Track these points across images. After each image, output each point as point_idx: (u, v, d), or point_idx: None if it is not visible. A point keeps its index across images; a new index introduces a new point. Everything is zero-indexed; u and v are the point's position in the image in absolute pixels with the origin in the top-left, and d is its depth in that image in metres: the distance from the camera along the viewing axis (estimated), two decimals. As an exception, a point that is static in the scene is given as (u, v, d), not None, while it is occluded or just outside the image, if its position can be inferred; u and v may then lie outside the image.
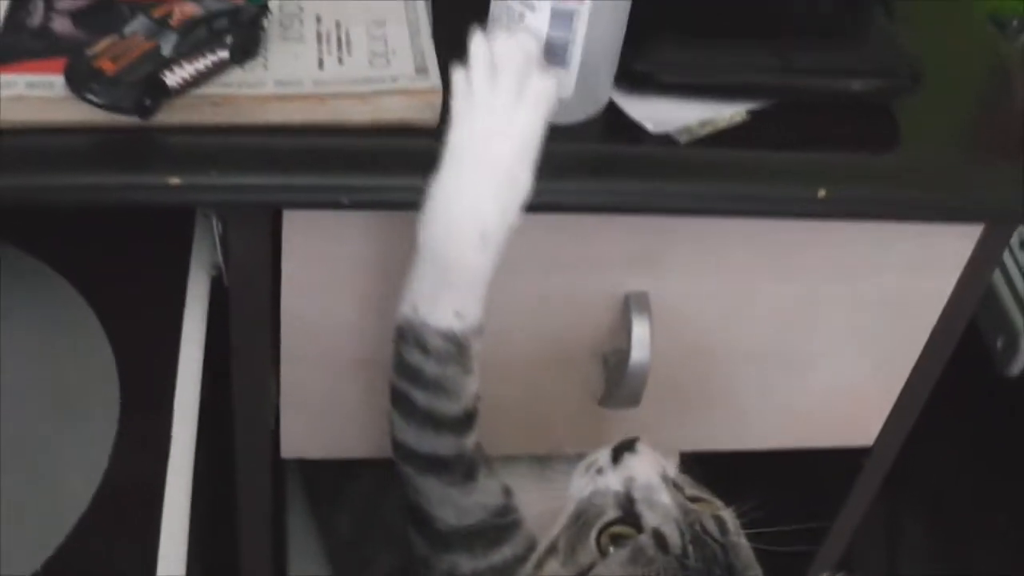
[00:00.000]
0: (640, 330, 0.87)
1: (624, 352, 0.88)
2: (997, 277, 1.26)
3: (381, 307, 0.85)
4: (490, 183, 0.73)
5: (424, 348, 0.78)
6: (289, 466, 1.22)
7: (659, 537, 0.74)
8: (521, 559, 0.85)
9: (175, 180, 0.70)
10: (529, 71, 0.72)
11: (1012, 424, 1.30)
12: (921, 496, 1.48)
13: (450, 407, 0.80)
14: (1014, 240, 1.29)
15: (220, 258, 0.86)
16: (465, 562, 0.87)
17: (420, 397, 0.80)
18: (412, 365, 0.79)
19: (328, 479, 1.16)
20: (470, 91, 0.72)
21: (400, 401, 0.81)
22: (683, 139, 0.79)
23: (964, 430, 1.38)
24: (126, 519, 0.73)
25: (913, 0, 0.99)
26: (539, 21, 0.74)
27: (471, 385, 0.81)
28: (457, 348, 0.78)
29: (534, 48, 0.73)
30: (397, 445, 0.84)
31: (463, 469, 0.83)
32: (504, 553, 0.87)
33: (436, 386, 0.79)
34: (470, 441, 0.83)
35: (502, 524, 0.86)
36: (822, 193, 0.79)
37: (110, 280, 0.84)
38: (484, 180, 0.73)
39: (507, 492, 0.86)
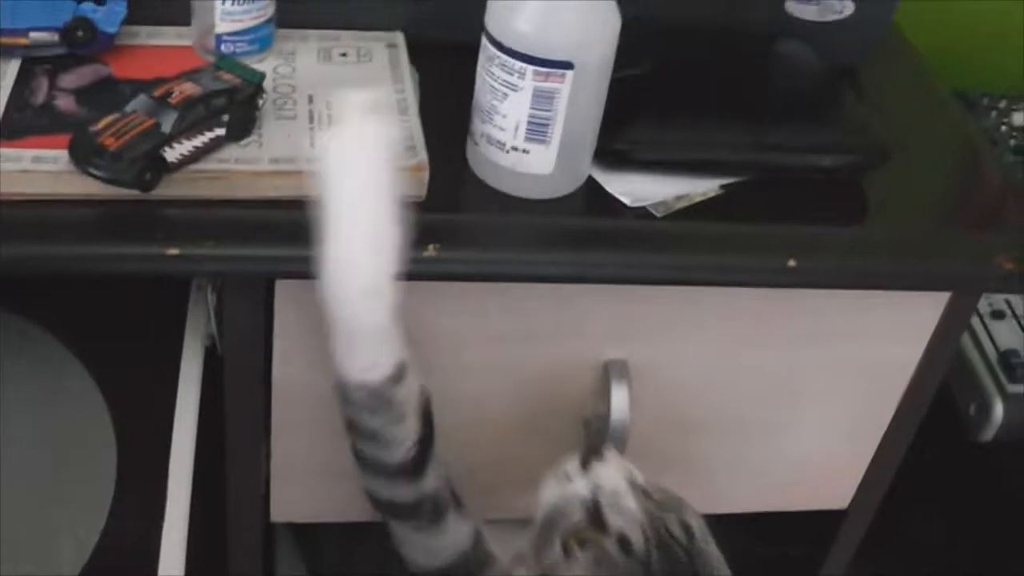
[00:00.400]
0: (619, 396, 0.90)
1: (604, 417, 0.91)
2: (968, 345, 1.29)
3: None
4: (359, 239, 0.75)
5: (351, 402, 0.80)
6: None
7: (623, 541, 0.77)
8: None
9: (173, 251, 0.74)
10: (370, 128, 0.74)
11: (988, 489, 1.32)
12: (906, 566, 1.50)
13: (391, 455, 0.81)
14: (985, 308, 1.32)
15: (214, 328, 0.88)
16: None
17: (364, 448, 0.81)
18: (348, 419, 0.81)
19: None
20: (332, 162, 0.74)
21: (354, 453, 0.83)
22: (659, 213, 0.82)
23: (942, 496, 1.40)
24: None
25: (881, 80, 1.03)
26: (522, 101, 0.77)
27: (405, 432, 0.81)
28: (377, 399, 0.79)
29: (371, 102, 0.75)
30: (366, 495, 0.86)
31: (428, 512, 0.85)
32: None
33: (372, 437, 0.81)
34: (428, 484, 0.84)
35: (473, 563, 0.88)
36: (792, 263, 0.82)
37: (109, 349, 0.87)
38: (353, 238, 0.75)
39: (478, 534, 0.88)
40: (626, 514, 0.79)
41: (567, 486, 0.82)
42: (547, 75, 0.76)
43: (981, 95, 1.61)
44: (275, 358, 0.86)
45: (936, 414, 1.18)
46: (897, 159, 0.91)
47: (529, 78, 0.76)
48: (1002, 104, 1.60)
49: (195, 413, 0.85)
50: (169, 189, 0.75)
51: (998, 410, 1.23)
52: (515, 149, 0.80)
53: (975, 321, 1.30)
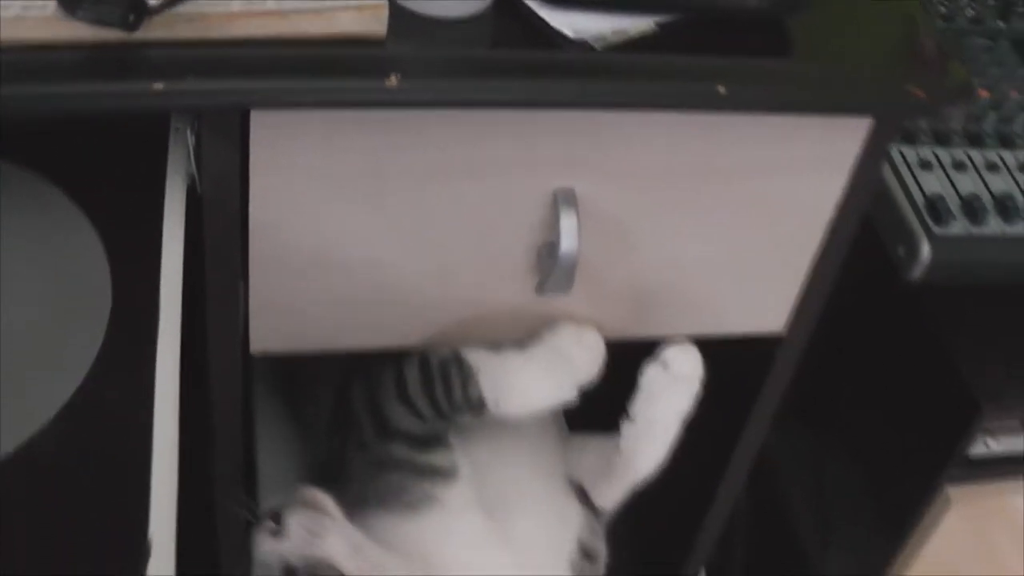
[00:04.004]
0: (567, 222, 0.98)
1: (555, 244, 0.99)
2: (898, 192, 1.36)
3: (338, 211, 0.96)
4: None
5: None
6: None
7: None
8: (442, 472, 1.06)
9: (158, 86, 0.81)
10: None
11: (915, 324, 1.41)
12: (841, 424, 1.59)
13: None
14: (913, 159, 1.40)
15: (194, 168, 0.96)
16: (399, 451, 1.04)
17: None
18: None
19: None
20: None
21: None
22: (599, 45, 0.90)
23: (874, 333, 1.49)
24: (121, 390, 0.83)
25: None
26: None
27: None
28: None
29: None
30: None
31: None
32: (431, 459, 1.06)
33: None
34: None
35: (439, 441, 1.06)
36: (721, 90, 0.90)
37: (101, 191, 0.94)
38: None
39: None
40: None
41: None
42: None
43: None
44: (252, 195, 0.93)
45: (869, 258, 1.28)
46: (822, 6, 0.99)
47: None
48: (932, -27, 1.68)
49: (180, 248, 0.91)
50: (151, 31, 0.81)
51: (925, 250, 1.31)
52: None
53: (904, 171, 1.38)
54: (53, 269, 0.90)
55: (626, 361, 1.09)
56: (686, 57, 0.92)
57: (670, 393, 1.08)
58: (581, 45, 0.90)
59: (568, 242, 0.98)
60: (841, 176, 1.04)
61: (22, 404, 0.81)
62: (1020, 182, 1.40)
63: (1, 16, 0.80)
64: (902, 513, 1.44)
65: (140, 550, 0.74)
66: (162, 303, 0.87)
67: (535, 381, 1.06)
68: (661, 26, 0.94)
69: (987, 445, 1.36)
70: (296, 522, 1.00)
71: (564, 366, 1.06)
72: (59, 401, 0.81)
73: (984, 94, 1.49)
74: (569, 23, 0.90)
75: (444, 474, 1.08)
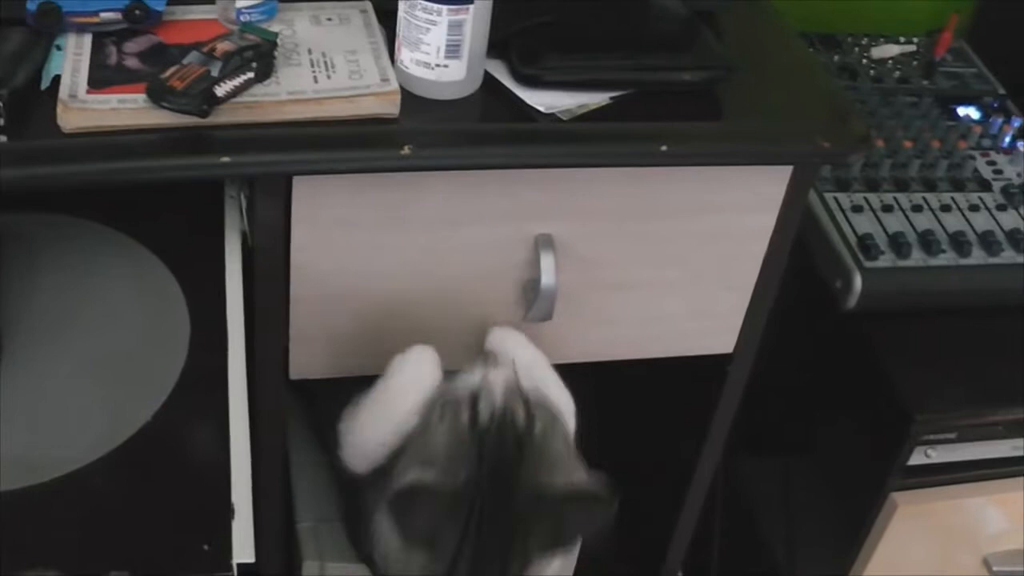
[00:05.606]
0: (546, 262, 1.18)
1: (537, 280, 1.20)
2: (833, 233, 1.54)
3: (363, 254, 1.16)
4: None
5: None
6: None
7: (475, 419, 1.06)
8: None
9: (225, 159, 1.02)
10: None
11: (855, 349, 1.58)
12: (800, 442, 1.74)
13: None
14: (846, 204, 1.58)
15: (246, 225, 1.17)
16: None
17: None
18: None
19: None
20: None
21: None
22: (566, 117, 1.12)
23: (822, 361, 1.66)
24: (202, 396, 1.04)
25: (741, 22, 1.32)
26: (440, 29, 1.07)
27: None
28: None
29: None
30: None
31: None
32: None
33: None
34: None
35: None
36: (664, 148, 1.12)
37: (174, 245, 1.16)
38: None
39: None
40: (488, 403, 1.08)
41: (465, 376, 1.11)
42: (457, 10, 1.06)
43: (846, 35, 1.87)
44: (293, 244, 1.13)
45: (812, 293, 1.47)
46: (746, 78, 1.20)
47: (444, 14, 1.06)
48: (863, 41, 1.87)
49: (240, 288, 1.11)
50: (219, 117, 1.02)
51: (857, 282, 1.49)
52: (438, 66, 1.09)
53: (839, 215, 1.56)
54: (141, 306, 1.12)
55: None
56: (635, 123, 1.14)
57: None
58: (551, 118, 1.12)
59: (547, 278, 1.19)
60: (771, 214, 1.24)
61: (121, 414, 1.02)
62: (941, 220, 1.59)
63: (102, 108, 1.02)
64: (855, 519, 1.58)
65: (226, 513, 0.94)
66: (230, 332, 1.08)
67: None
68: (614, 99, 1.15)
69: (927, 455, 1.50)
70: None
71: None
72: (154, 407, 1.02)
73: (908, 144, 1.70)
74: (541, 101, 1.12)
75: None
